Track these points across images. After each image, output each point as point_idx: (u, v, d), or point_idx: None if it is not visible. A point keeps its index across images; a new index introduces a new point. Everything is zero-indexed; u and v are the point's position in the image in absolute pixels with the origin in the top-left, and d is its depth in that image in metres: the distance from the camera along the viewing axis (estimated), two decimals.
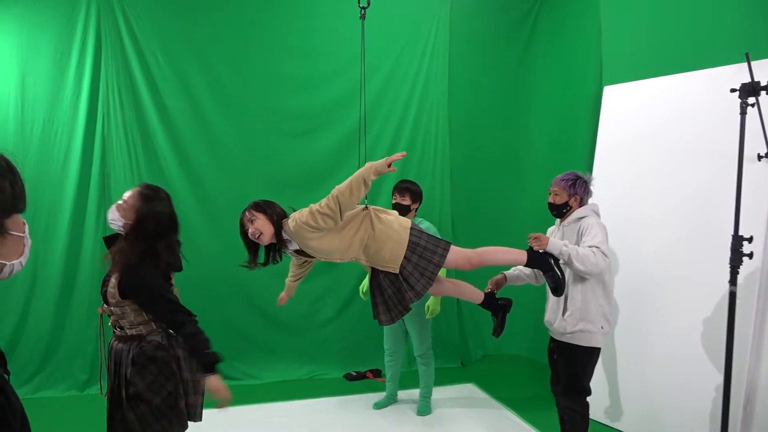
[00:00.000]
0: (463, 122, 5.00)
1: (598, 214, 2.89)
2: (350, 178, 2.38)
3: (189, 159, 4.33)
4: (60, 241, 4.10)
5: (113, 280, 2.04)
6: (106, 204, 4.15)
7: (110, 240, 2.17)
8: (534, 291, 5.09)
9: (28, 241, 0.93)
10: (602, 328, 2.79)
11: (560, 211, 2.96)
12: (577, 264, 2.65)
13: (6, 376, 0.87)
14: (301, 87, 4.53)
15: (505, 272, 3.19)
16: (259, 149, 4.46)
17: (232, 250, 4.27)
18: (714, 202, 3.26)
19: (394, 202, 3.72)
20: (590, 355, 2.82)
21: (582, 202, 2.93)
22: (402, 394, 4.12)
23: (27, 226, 0.95)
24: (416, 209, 3.75)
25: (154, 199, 2.12)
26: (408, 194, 3.68)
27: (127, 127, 4.19)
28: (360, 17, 3.05)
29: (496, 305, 2.94)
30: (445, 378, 4.53)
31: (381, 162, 2.35)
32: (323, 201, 2.40)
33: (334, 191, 2.38)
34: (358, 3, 3.04)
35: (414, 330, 3.80)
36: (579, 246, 2.72)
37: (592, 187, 2.97)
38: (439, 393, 4.19)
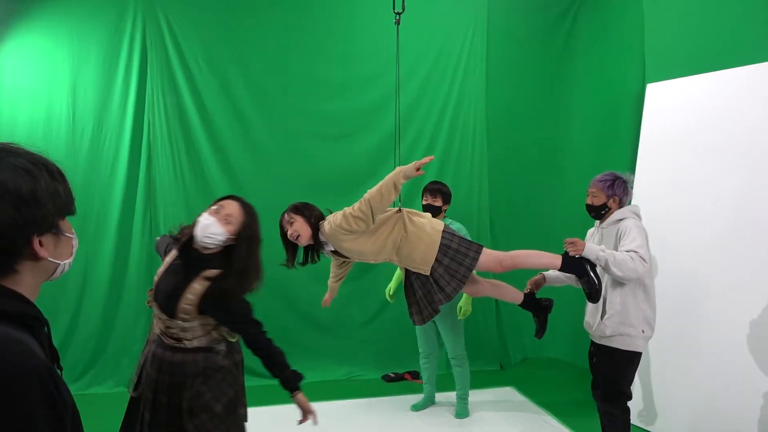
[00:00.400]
0: (501, 122, 4.96)
1: (638, 216, 2.81)
2: (381, 183, 2.41)
3: (230, 162, 4.44)
4: (109, 243, 4.26)
5: (190, 296, 1.97)
6: (152, 207, 4.30)
7: (165, 246, 2.23)
8: (574, 293, 4.99)
9: (76, 242, 1.00)
10: (643, 332, 2.72)
11: (598, 213, 2.90)
12: (614, 269, 2.58)
13: (59, 371, 0.93)
14: (339, 91, 4.59)
15: (544, 273, 3.14)
16: (297, 153, 4.54)
17: (272, 252, 4.37)
18: (760, 199, 3.15)
19: (425, 203, 3.75)
20: (630, 359, 2.75)
21: (621, 203, 2.84)
22: (440, 396, 4.11)
23: (73, 228, 1.02)
24: (446, 210, 3.77)
25: (254, 213, 2.16)
26: (439, 196, 3.71)
27: (171, 132, 4.32)
28: (395, 23, 3.07)
29: (538, 306, 2.90)
30: (483, 381, 4.49)
31: (410, 166, 2.39)
32: (356, 204, 2.43)
33: (366, 195, 2.42)
34: (393, 9, 3.06)
35: (446, 332, 3.80)
36: (617, 250, 2.65)
37: (631, 188, 2.88)
38: (477, 396, 4.15)
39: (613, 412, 2.83)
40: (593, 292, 2.64)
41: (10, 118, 4.10)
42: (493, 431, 3.63)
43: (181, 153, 4.36)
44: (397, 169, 2.42)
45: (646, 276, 2.68)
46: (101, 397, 4.10)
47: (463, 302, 3.78)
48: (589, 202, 2.93)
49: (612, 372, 2.80)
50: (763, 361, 2.98)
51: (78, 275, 4.21)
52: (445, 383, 4.24)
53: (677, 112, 3.78)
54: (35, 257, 0.90)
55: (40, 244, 0.90)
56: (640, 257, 2.58)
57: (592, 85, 4.94)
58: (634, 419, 3.65)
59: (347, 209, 2.46)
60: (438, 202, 3.69)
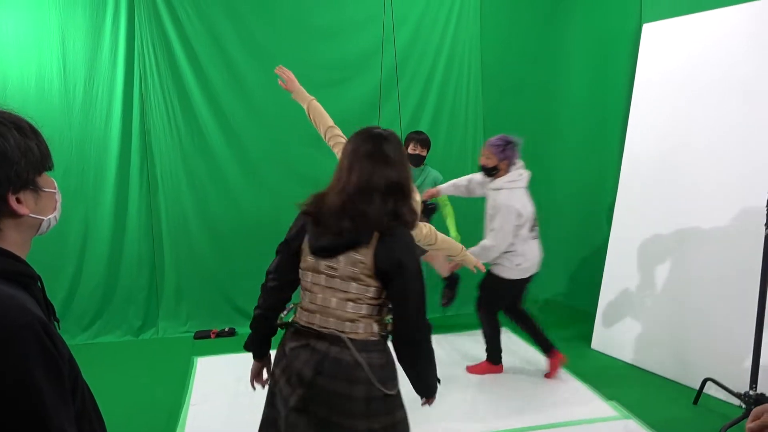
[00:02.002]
0: (496, 66, 4.91)
1: (513, 188, 3.32)
2: (449, 245, 2.75)
3: (224, 112, 4.42)
4: (108, 196, 4.29)
5: (367, 250, 1.62)
6: (149, 160, 4.33)
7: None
8: (569, 239, 5.09)
9: (59, 197, 1.03)
10: (518, 265, 3.38)
11: (489, 173, 3.39)
12: (485, 260, 3.27)
13: (56, 324, 0.98)
14: (331, 36, 4.52)
15: (439, 186, 3.85)
16: (292, 101, 4.49)
17: (269, 200, 4.45)
18: (756, 138, 3.16)
19: (411, 152, 3.99)
20: (498, 282, 3.48)
21: (510, 165, 3.35)
22: None
23: (56, 183, 1.05)
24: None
25: None
26: (425, 146, 4.08)
27: (163, 83, 4.29)
28: None
29: (453, 278, 3.73)
30: (477, 323, 4.62)
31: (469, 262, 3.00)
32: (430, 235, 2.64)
33: (439, 237, 2.67)
34: None
35: None
36: (489, 222, 3.38)
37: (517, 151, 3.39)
38: (473, 337, 4.32)
39: (481, 321, 3.64)
40: (448, 301, 3.79)
41: (1, 76, 4.06)
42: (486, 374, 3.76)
43: (174, 104, 4.33)
44: (464, 253, 2.85)
45: (509, 236, 3.32)
46: (109, 346, 4.24)
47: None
48: (482, 162, 3.41)
49: (482, 288, 3.59)
50: (751, 304, 3.05)
51: (79, 228, 4.27)
52: (438, 328, 4.35)
53: (673, 53, 3.75)
54: (15, 214, 0.92)
55: (18, 201, 0.92)
56: (497, 236, 3.29)
57: (589, 26, 4.85)
58: (631, 358, 3.79)
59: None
60: (424, 152, 4.07)
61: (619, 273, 3.98)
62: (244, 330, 4.40)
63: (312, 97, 2.69)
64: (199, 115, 4.38)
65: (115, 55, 4.20)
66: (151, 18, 4.20)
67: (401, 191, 1.64)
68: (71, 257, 4.29)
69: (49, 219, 1.00)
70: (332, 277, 1.65)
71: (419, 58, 4.70)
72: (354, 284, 1.63)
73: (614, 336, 3.96)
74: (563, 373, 3.69)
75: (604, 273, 4.10)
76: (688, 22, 3.66)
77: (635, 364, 3.78)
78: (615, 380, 3.59)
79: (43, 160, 0.97)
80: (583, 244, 4.93)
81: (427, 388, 1.78)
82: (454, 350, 4.12)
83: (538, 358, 3.93)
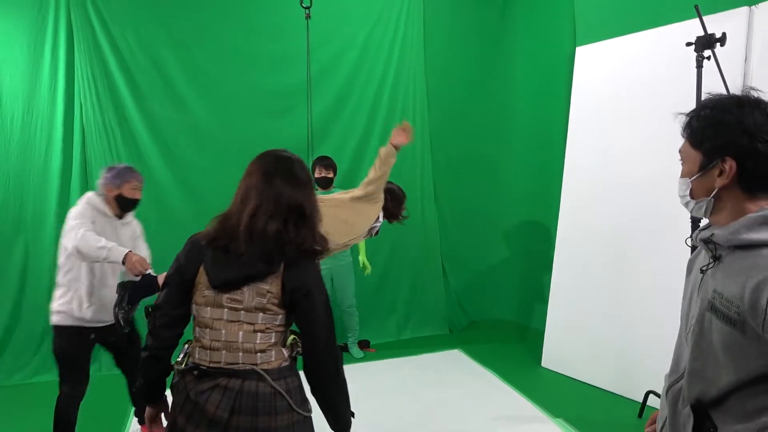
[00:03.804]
0: (441, 90, 5.02)
1: (89, 203, 2.74)
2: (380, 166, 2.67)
3: (166, 141, 4.38)
4: (48, 228, 4.17)
5: (274, 279, 1.57)
6: (90, 190, 4.22)
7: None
8: (519, 257, 5.18)
9: None
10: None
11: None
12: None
13: None
14: (276, 65, 4.55)
15: None
16: (237, 130, 4.50)
17: None
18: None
19: (318, 176, 4.16)
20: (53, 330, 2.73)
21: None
22: (391, 362, 4.22)
23: None
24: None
25: None
26: (332, 169, 4.23)
27: (105, 115, 4.23)
28: (306, 17, 3.10)
29: None
30: (432, 345, 4.65)
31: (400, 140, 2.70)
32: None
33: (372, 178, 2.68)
34: (301, 3, 3.06)
35: (344, 285, 4.42)
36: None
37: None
38: (425, 360, 4.31)
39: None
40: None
41: None
42: (440, 393, 3.74)
43: (117, 136, 4.27)
44: (389, 149, 2.66)
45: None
46: (50, 385, 4.05)
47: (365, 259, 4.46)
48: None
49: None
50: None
51: (18, 262, 4.14)
52: (393, 350, 4.37)
53: (604, 74, 3.89)
54: None
55: None
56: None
57: (530, 50, 5.02)
58: (576, 373, 3.83)
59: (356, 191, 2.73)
60: (330, 174, 4.22)
61: (564, 291, 4.05)
62: None
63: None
64: (141, 144, 4.33)
65: (54, 86, 4.14)
66: (90, 49, 4.16)
67: (304, 215, 1.59)
68: (10, 292, 4.13)
69: None
70: (236, 310, 1.56)
71: (364, 85, 4.77)
72: (261, 315, 1.56)
73: (563, 353, 4.01)
74: (511, 390, 3.71)
75: (551, 291, 4.16)
76: (619, 43, 3.80)
77: (583, 380, 3.82)
78: (563, 397, 3.61)
79: None
80: (532, 262, 5.02)
81: (342, 422, 1.70)
82: (408, 375, 4.10)
83: (488, 378, 3.95)
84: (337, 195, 2.86)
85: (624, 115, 3.70)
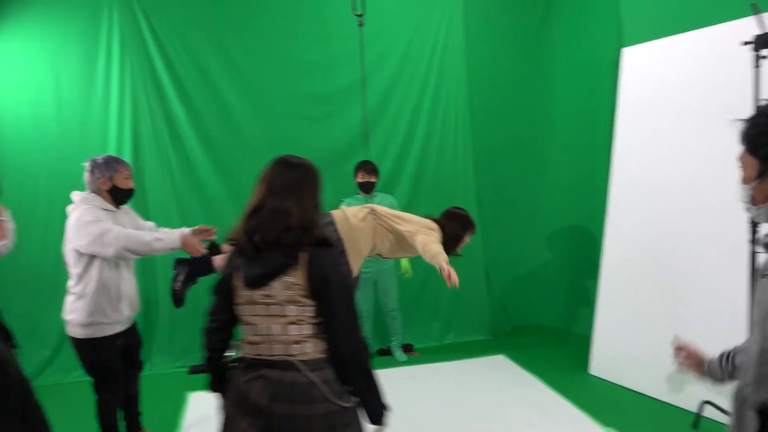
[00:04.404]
0: (483, 95, 4.98)
1: (88, 203, 2.64)
2: (432, 249, 2.55)
3: (214, 148, 4.49)
4: None
5: (298, 271, 1.65)
6: (143, 196, 4.36)
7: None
8: (563, 260, 5.10)
9: (11, 225, 1.05)
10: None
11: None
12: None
13: (15, 349, 0.99)
14: (318, 71, 4.60)
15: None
16: (280, 135, 4.57)
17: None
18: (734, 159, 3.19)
19: (361, 180, 4.18)
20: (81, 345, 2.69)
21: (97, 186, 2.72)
22: (431, 367, 4.22)
23: (9, 213, 1.07)
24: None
25: None
26: (375, 174, 4.22)
27: (156, 122, 4.36)
28: (359, 24, 3.13)
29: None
30: (476, 350, 4.61)
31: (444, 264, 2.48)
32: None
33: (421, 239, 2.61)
34: (354, 11, 3.09)
35: (388, 289, 4.45)
36: None
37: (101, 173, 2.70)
38: (469, 365, 4.29)
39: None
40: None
41: None
42: (484, 399, 3.72)
43: (167, 142, 4.41)
44: (442, 256, 2.53)
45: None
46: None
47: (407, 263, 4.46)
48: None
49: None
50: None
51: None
52: (437, 354, 4.35)
53: (652, 75, 3.81)
54: None
55: None
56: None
57: (572, 52, 4.95)
58: (629, 382, 3.75)
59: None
60: (373, 179, 4.21)
61: (613, 296, 3.97)
62: None
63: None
64: (190, 151, 4.45)
65: (108, 93, 4.30)
66: (141, 57, 4.31)
67: (288, 215, 1.64)
68: (64, 293, 4.26)
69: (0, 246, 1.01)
70: (269, 304, 1.65)
71: (406, 90, 4.78)
72: (292, 307, 1.64)
73: (611, 360, 3.93)
74: (559, 397, 3.65)
75: (599, 296, 4.08)
76: (667, 44, 3.72)
77: (633, 388, 3.73)
78: (613, 405, 3.53)
79: None
80: (578, 267, 4.93)
81: (370, 413, 1.75)
82: (453, 379, 4.08)
83: (533, 385, 3.90)
84: (392, 221, 2.76)
85: (675, 117, 3.61)
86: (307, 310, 1.65)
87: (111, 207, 2.71)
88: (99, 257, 2.59)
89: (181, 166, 4.42)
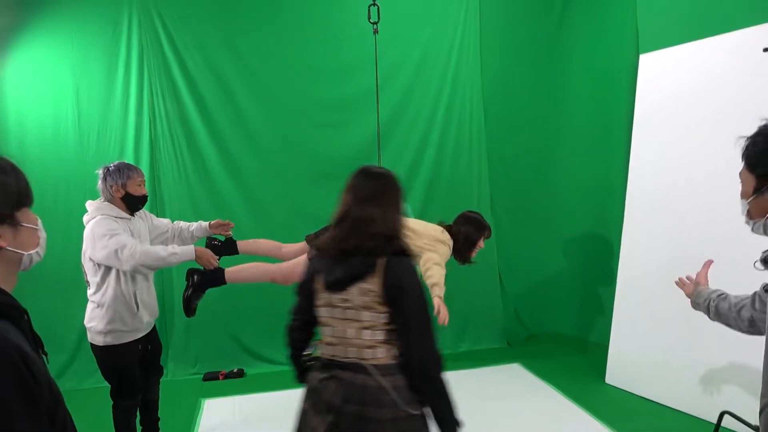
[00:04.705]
0: (497, 101, 4.98)
1: (103, 213, 2.65)
2: (437, 277, 2.58)
3: (230, 152, 4.52)
4: None
5: (374, 278, 1.68)
6: (158, 204, 4.40)
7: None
8: (578, 268, 5.06)
9: (43, 234, 1.06)
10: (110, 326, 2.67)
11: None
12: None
13: (45, 357, 1.00)
14: (333, 77, 4.63)
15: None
16: (295, 141, 4.60)
17: (276, 240, 4.47)
18: None
19: None
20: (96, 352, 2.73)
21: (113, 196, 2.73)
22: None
23: (40, 221, 1.08)
24: None
25: None
26: None
27: (172, 128, 4.41)
28: (374, 32, 3.13)
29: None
30: (490, 358, 4.58)
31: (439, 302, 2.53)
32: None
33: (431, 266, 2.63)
34: (369, 19, 3.11)
35: None
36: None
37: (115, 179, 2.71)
38: (484, 373, 4.25)
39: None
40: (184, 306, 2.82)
41: (18, 126, 4.21)
42: (499, 408, 3.69)
43: (183, 148, 4.44)
44: (438, 288, 2.57)
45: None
46: None
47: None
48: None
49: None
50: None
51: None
52: (450, 363, 4.32)
53: (670, 82, 3.79)
54: None
55: None
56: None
57: (588, 59, 4.92)
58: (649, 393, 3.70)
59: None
60: None
61: (629, 304, 3.93)
62: (253, 370, 4.46)
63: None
64: (206, 157, 4.48)
65: (126, 103, 4.35)
66: (160, 66, 4.36)
67: (374, 223, 1.70)
68: (82, 300, 4.31)
69: (31, 254, 1.03)
70: (346, 308, 1.72)
71: (421, 96, 4.79)
72: (367, 313, 1.69)
73: (628, 369, 3.88)
74: (576, 407, 3.61)
75: (615, 305, 4.04)
76: (685, 51, 3.70)
77: (651, 398, 3.69)
78: (630, 415, 3.49)
79: (20, 197, 1.01)
80: (593, 275, 4.89)
81: (441, 425, 1.74)
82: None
83: (549, 394, 3.87)
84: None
85: (692, 124, 3.58)
86: (382, 316, 1.69)
87: (125, 214, 2.72)
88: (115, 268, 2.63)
89: (197, 171, 4.46)
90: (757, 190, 1.30)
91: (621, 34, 4.49)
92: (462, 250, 2.85)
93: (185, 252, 2.67)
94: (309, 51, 4.56)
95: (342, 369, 1.72)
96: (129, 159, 4.31)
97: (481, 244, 2.91)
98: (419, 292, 1.69)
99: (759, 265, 1.40)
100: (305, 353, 1.90)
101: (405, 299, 1.66)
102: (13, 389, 0.85)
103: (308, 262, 1.88)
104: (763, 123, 1.33)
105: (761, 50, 2.67)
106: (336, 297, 1.73)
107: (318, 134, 4.64)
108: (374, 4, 3.59)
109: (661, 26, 3.99)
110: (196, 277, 2.77)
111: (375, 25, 3.16)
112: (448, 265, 2.78)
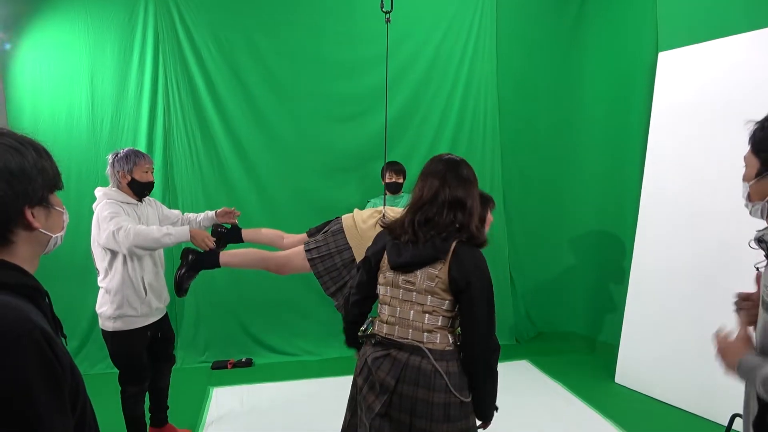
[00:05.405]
0: (512, 98, 4.94)
1: (108, 198, 2.68)
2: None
3: (243, 145, 4.51)
4: None
5: (442, 265, 1.72)
6: (171, 193, 4.41)
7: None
8: (589, 267, 5.02)
9: (66, 217, 1.08)
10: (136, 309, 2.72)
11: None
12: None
13: (63, 339, 1.01)
14: (348, 71, 4.60)
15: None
16: (309, 135, 4.59)
17: (286, 230, 4.44)
18: None
19: (390, 181, 4.14)
20: (109, 338, 2.75)
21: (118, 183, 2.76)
22: None
23: (64, 206, 1.10)
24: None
25: None
26: (402, 174, 4.21)
27: (186, 117, 4.41)
28: (386, 21, 3.10)
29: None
30: (500, 354, 4.54)
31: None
32: None
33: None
34: (381, 7, 3.07)
35: None
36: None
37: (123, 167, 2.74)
38: None
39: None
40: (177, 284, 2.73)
41: (32, 111, 4.21)
42: (507, 403, 3.65)
43: (197, 137, 4.44)
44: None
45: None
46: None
47: None
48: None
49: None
50: None
51: None
52: None
53: (689, 81, 3.73)
54: (29, 227, 0.98)
55: (32, 215, 0.98)
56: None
57: (605, 56, 4.87)
58: (657, 393, 3.67)
59: None
60: (401, 179, 4.20)
61: (641, 304, 3.90)
62: (261, 360, 4.47)
63: None
64: (219, 147, 4.48)
65: (140, 89, 4.34)
66: (175, 55, 4.35)
67: (464, 207, 1.76)
68: (94, 286, 4.33)
69: (56, 237, 1.05)
70: (410, 291, 1.76)
71: (435, 92, 4.76)
72: (430, 297, 1.73)
73: (639, 369, 3.85)
74: (584, 406, 3.59)
75: (627, 304, 4.01)
76: (705, 49, 3.65)
77: (661, 399, 3.66)
78: (640, 416, 3.47)
79: (55, 180, 1.03)
80: (604, 274, 4.85)
81: (486, 411, 1.81)
82: None
83: (558, 392, 3.84)
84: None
85: (710, 123, 3.53)
86: (444, 303, 1.73)
87: (132, 200, 2.75)
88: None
89: (210, 162, 4.46)
90: (760, 173, 1.31)
91: (640, 31, 4.43)
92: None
93: (180, 233, 2.66)
94: (325, 44, 4.54)
95: (398, 348, 1.76)
96: (142, 147, 4.33)
97: (490, 217, 2.83)
98: (486, 283, 1.72)
99: (753, 244, 1.44)
100: (361, 329, 1.92)
101: (471, 292, 1.68)
102: (38, 371, 0.86)
103: (376, 238, 1.90)
104: None
105: None
106: (401, 278, 1.77)
107: (332, 127, 4.62)
108: None
109: (681, 23, 3.94)
110: (190, 256, 2.76)
111: (388, 15, 3.12)
112: None
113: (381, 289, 1.84)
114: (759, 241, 1.37)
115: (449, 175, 1.78)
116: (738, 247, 3.23)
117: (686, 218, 3.62)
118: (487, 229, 2.82)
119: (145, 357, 2.85)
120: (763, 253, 1.37)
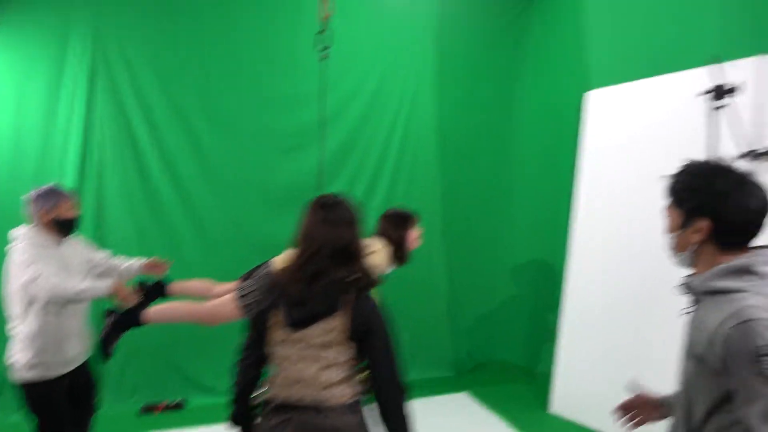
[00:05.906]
0: (453, 131, 5.06)
1: (30, 240, 2.52)
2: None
3: (181, 178, 4.40)
4: None
5: (340, 316, 1.67)
6: (102, 229, 4.22)
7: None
8: (526, 297, 5.15)
9: None
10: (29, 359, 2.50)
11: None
12: None
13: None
14: (288, 105, 4.59)
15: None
16: (249, 168, 4.52)
17: (221, 266, 4.34)
18: None
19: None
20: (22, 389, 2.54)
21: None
22: None
23: None
24: None
25: None
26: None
27: (123, 151, 4.26)
28: (322, 58, 3.08)
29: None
30: (438, 387, 4.57)
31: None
32: None
33: None
34: (317, 45, 3.06)
35: None
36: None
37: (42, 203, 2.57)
38: (433, 402, 4.23)
39: None
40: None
41: None
42: None
43: (131, 172, 4.29)
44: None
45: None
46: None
47: None
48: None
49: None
50: None
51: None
52: None
53: (615, 119, 3.94)
54: None
55: None
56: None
57: (540, 96, 5.09)
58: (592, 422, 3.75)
59: None
60: None
61: (574, 333, 4.01)
62: (195, 401, 4.26)
63: None
64: (155, 181, 4.34)
65: (70, 123, 4.15)
66: (110, 87, 4.21)
67: (351, 254, 1.70)
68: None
69: None
70: (305, 347, 1.68)
71: (375, 126, 4.82)
72: (329, 351, 1.67)
73: (573, 398, 3.95)
74: None
75: (560, 334, 4.12)
76: (633, 88, 3.84)
77: (595, 427, 3.75)
78: None
79: None
80: (538, 303, 4.99)
81: None
82: None
83: (496, 425, 3.87)
84: None
85: (637, 161, 3.72)
86: (344, 353, 1.68)
87: (53, 242, 2.58)
88: None
89: (147, 200, 4.32)
90: (683, 225, 1.37)
91: (571, 70, 4.63)
92: (399, 251, 2.70)
93: (100, 288, 2.47)
94: (265, 78, 4.53)
95: (297, 411, 1.68)
96: (69, 182, 4.13)
97: (415, 232, 2.76)
98: (385, 327, 1.71)
99: (678, 289, 1.50)
100: (254, 395, 1.83)
101: (373, 340, 1.67)
102: None
103: (264, 295, 1.77)
104: (686, 162, 1.43)
105: (699, 94, 2.81)
106: (295, 335, 1.68)
107: (271, 160, 4.58)
108: (322, 32, 3.55)
109: (609, 63, 4.14)
110: (113, 316, 2.56)
111: (325, 51, 3.13)
112: (395, 289, 2.65)
113: (275, 348, 1.73)
114: (683, 285, 1.43)
115: (331, 221, 1.71)
116: (667, 279, 3.35)
117: (616, 250, 3.78)
118: (414, 245, 2.81)
119: (65, 406, 2.65)
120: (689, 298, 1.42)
